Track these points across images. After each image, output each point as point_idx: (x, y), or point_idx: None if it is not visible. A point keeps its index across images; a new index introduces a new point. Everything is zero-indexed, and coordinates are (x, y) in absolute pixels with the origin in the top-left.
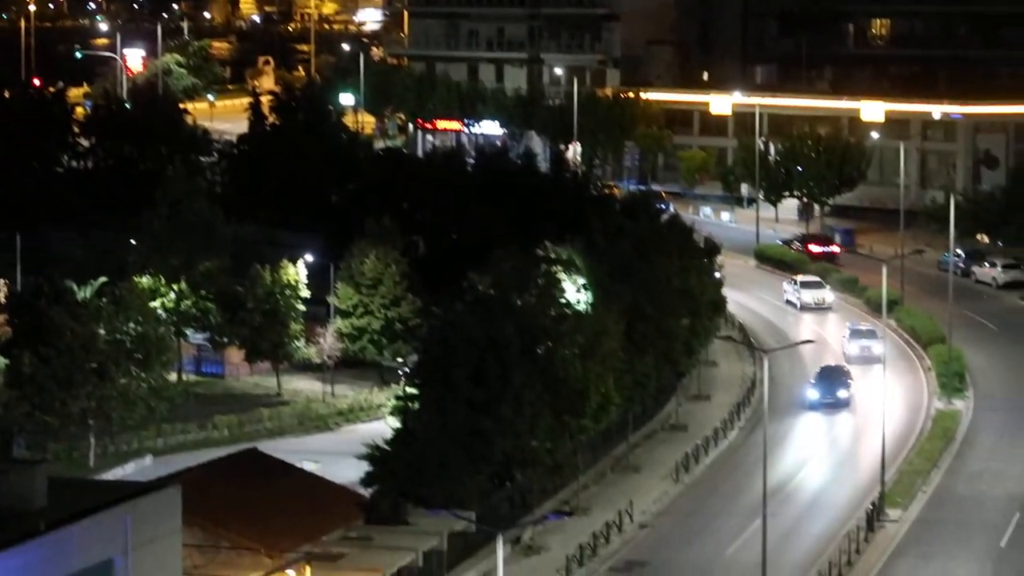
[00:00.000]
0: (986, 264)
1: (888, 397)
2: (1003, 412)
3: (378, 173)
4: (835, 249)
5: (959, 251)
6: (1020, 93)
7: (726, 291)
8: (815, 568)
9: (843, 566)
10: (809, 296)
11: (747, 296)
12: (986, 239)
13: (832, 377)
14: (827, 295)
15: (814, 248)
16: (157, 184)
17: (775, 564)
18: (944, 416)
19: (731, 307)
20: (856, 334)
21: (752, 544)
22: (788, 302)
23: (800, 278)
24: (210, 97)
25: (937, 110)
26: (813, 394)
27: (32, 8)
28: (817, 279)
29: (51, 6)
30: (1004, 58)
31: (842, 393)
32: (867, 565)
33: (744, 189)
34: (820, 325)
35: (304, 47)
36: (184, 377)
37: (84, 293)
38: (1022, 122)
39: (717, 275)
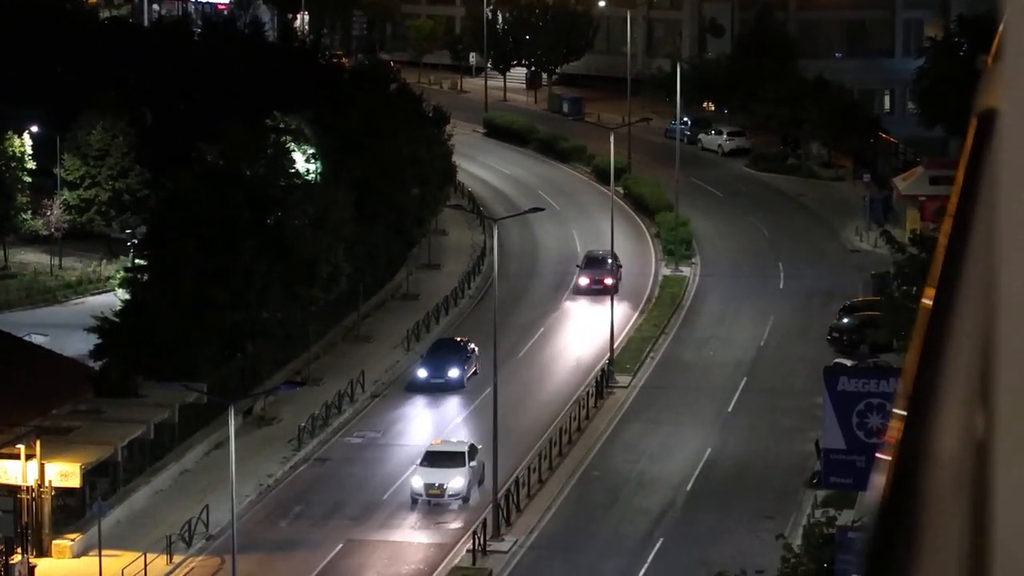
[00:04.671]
0: (712, 132)
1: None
2: (729, 278)
3: (103, 43)
4: None
5: (685, 119)
6: None
7: (455, 159)
8: (546, 434)
9: (573, 432)
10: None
11: (476, 165)
12: (712, 107)
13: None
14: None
15: None
16: None
17: (507, 430)
18: (671, 282)
19: (461, 176)
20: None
21: (484, 411)
22: None
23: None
24: None
25: None
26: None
27: None
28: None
29: None
30: None
31: (453, 372)
32: (597, 430)
33: (472, 58)
34: (554, 198)
35: None
36: None
37: None
38: None
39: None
